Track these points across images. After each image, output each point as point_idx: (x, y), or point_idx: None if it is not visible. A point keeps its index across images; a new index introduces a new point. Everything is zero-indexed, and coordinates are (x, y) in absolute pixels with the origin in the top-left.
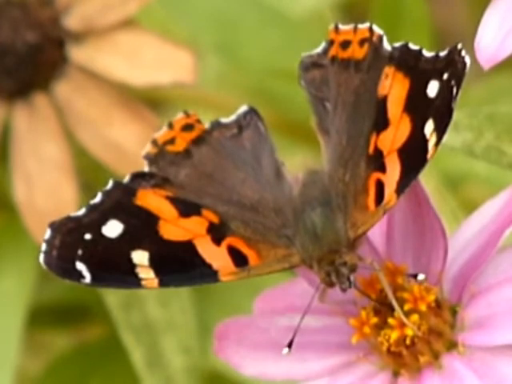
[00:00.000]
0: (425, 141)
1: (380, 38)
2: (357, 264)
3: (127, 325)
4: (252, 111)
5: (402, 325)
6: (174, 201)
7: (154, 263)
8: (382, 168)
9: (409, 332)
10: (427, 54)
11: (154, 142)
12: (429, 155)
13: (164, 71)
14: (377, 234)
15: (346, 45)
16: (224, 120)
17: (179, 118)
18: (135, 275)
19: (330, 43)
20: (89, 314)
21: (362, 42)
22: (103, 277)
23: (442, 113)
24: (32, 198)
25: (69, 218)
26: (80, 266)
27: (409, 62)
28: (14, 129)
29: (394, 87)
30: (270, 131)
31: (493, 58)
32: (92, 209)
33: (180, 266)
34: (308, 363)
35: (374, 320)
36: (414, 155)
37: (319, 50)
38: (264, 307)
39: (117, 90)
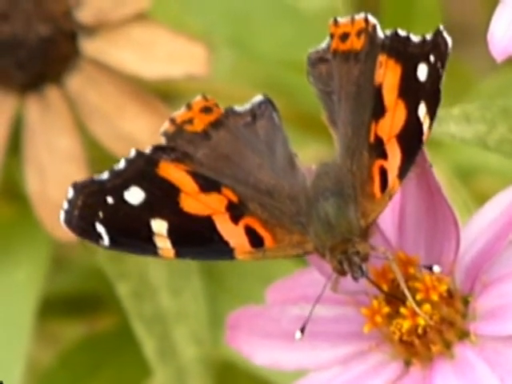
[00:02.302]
0: (419, 124)
1: (374, 28)
2: (369, 253)
3: (139, 315)
4: (267, 101)
5: (414, 314)
6: (194, 176)
7: (172, 234)
8: (383, 155)
9: (421, 321)
10: (415, 38)
11: (172, 121)
12: (424, 138)
13: (177, 64)
14: (389, 224)
15: (345, 37)
16: (238, 108)
17: (198, 100)
18: (153, 243)
19: (331, 37)
20: (100, 304)
21: (359, 33)
22: (121, 241)
23: (432, 95)
24: (44, 190)
25: (92, 181)
26: (100, 228)
27: (399, 48)
28: (26, 121)
29: (387, 74)
30: (283, 123)
31: (506, 51)
32: (115, 174)
33: (197, 239)
34: (320, 352)
35: (386, 309)
36: (411, 139)
37: (324, 45)
38: (275, 297)
39: (129, 83)
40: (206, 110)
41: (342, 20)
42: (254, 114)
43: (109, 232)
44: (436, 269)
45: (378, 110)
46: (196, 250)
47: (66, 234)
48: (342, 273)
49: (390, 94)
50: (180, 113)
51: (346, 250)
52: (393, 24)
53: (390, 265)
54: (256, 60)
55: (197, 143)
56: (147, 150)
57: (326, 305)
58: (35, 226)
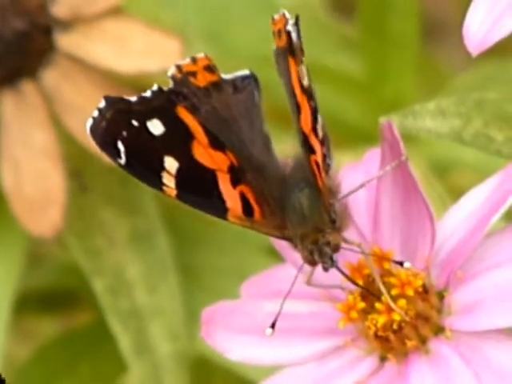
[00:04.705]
0: (316, 117)
1: (286, 24)
2: (340, 244)
3: (115, 311)
4: (251, 77)
5: (390, 310)
6: (204, 128)
7: (179, 175)
8: (312, 150)
9: (396, 317)
10: (294, 34)
11: (179, 68)
12: (320, 129)
13: (152, 59)
14: (364, 218)
15: (279, 34)
16: (223, 75)
17: (202, 57)
18: (160, 178)
19: (273, 34)
20: (76, 300)
21: (284, 30)
22: (135, 166)
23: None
24: (20, 186)
25: (122, 99)
26: (121, 146)
27: (291, 46)
28: (1, 116)
29: (291, 71)
30: None
31: (481, 45)
32: (142, 101)
33: (200, 188)
34: (295, 348)
35: (361, 305)
36: (321, 131)
37: None
38: (251, 292)
39: (104, 78)
40: (209, 68)
41: (276, 17)
42: (234, 85)
43: (126, 154)
44: (406, 264)
45: (297, 107)
46: (196, 199)
47: (41, 230)
48: (313, 263)
49: (297, 90)
50: (185, 63)
51: (316, 241)
52: (369, 19)
53: (365, 260)
54: (232, 54)
55: (200, 98)
56: (165, 88)
57: (302, 300)
58: (11, 221)
